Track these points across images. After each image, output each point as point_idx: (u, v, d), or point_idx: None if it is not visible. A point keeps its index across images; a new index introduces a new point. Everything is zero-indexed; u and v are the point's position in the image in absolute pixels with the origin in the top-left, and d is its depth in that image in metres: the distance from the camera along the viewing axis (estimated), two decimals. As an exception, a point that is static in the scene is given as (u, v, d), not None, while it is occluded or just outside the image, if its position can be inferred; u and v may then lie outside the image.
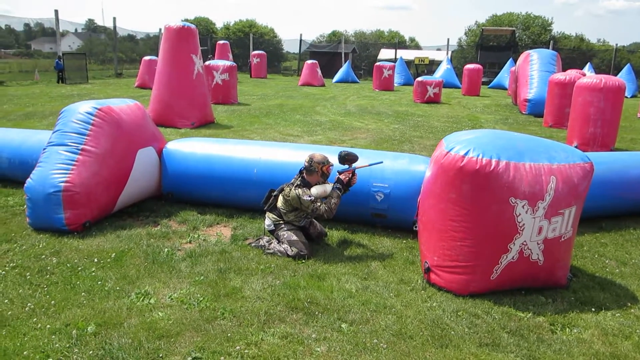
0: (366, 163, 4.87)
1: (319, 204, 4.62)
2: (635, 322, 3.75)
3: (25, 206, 5.25)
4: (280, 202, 4.82)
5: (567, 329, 3.63)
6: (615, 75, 28.47)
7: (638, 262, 4.90)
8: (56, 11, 27.52)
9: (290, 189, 4.69)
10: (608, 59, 40.69)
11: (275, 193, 4.90)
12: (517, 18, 50.80)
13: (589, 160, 4.10)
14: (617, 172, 5.94)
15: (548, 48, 30.54)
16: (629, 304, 4.03)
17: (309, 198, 4.60)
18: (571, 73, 13.85)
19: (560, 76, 13.69)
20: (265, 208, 4.92)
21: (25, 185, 5.12)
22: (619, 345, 3.44)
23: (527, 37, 48.05)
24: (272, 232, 4.89)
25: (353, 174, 4.73)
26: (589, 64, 31.11)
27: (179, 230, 5.34)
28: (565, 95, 12.64)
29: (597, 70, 32.73)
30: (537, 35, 47.67)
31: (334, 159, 4.82)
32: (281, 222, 4.83)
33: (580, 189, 3.98)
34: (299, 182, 4.71)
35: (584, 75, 13.13)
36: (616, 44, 40.10)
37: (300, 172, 4.79)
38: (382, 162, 5.00)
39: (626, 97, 19.86)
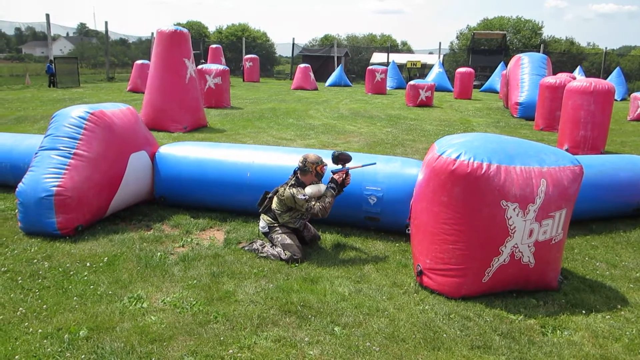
0: (359, 164, 4.91)
1: (313, 203, 4.64)
2: (625, 324, 3.79)
3: (16, 210, 5.22)
4: (274, 204, 4.83)
5: (558, 332, 3.66)
6: (605, 78, 28.74)
7: (628, 264, 4.95)
8: (47, 15, 27.43)
9: (285, 189, 4.72)
10: (598, 63, 41.05)
11: (270, 195, 4.91)
12: (508, 22, 51.18)
13: (578, 163, 4.15)
14: (607, 174, 6.00)
15: (538, 52, 30.82)
16: (619, 306, 4.06)
17: (304, 197, 4.62)
18: (561, 76, 13.98)
19: (551, 80, 13.79)
20: (260, 210, 4.94)
21: (17, 189, 5.10)
22: (609, 348, 3.47)
23: (518, 40, 48.42)
24: (266, 234, 4.89)
25: (347, 174, 4.76)
26: (579, 67, 31.37)
27: (172, 234, 5.33)
28: (556, 99, 12.75)
29: (587, 73, 33.02)
30: (528, 39, 48.06)
31: (327, 162, 4.85)
32: (275, 224, 4.83)
33: (571, 191, 4.02)
34: (293, 182, 4.74)
35: (574, 78, 13.25)
36: (606, 48, 40.41)
37: (295, 172, 4.82)
38: (375, 164, 5.04)
39: (616, 100, 20.06)
